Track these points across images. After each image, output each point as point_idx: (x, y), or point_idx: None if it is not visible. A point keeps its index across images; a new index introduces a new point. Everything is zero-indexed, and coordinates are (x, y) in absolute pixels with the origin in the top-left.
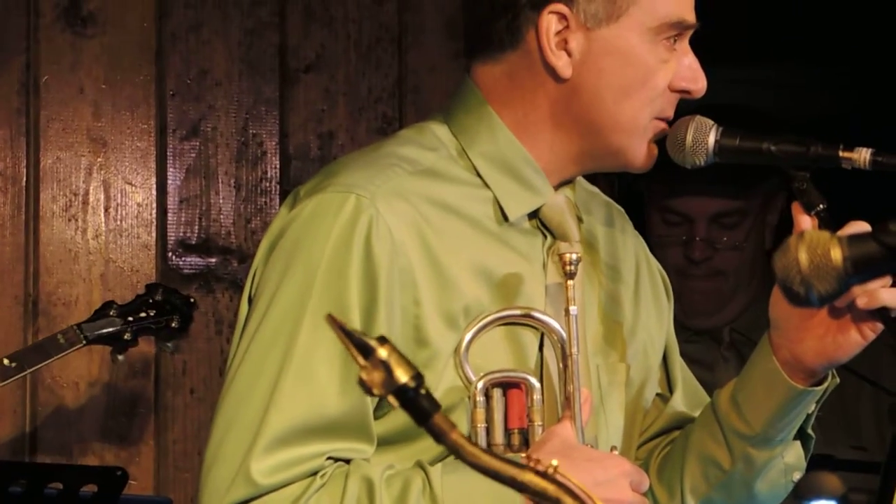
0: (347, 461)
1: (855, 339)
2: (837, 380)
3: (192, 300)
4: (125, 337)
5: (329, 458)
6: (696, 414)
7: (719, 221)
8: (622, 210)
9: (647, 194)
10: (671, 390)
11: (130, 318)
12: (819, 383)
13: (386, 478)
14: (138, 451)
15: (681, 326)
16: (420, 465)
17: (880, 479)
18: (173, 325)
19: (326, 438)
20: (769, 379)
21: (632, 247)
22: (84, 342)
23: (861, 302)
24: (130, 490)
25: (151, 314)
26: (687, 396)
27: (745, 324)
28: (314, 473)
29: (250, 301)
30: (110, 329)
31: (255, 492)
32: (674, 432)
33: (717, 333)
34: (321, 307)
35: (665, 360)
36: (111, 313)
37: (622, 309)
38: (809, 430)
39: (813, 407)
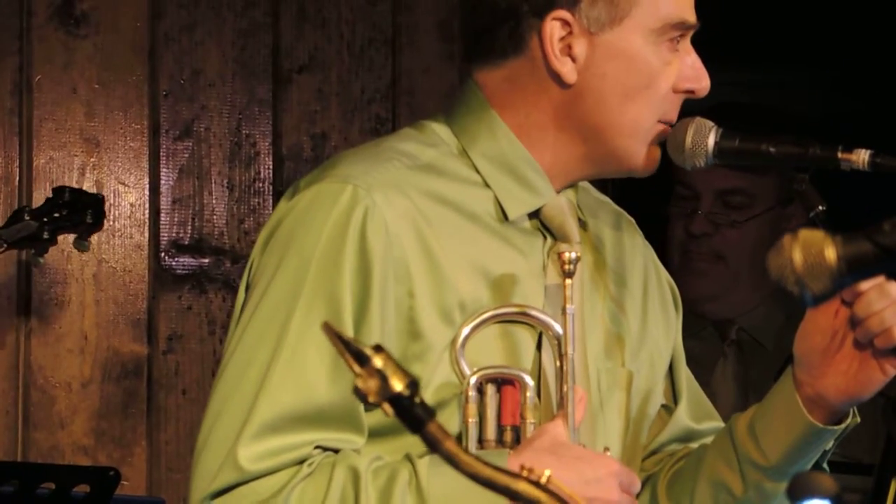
0: (336, 451)
1: (876, 376)
2: (858, 419)
3: (101, 196)
4: (44, 236)
5: (318, 447)
6: (701, 426)
7: (726, 199)
8: (632, 220)
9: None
10: (676, 401)
11: (45, 219)
12: (839, 422)
13: (373, 469)
14: (131, 451)
15: (688, 312)
16: (408, 458)
17: (874, 479)
18: (88, 220)
19: (315, 427)
20: (789, 414)
21: (640, 256)
22: (5, 246)
23: (878, 342)
24: (123, 490)
25: (64, 213)
26: (692, 408)
27: (753, 324)
28: (302, 462)
29: (247, 291)
30: (27, 231)
31: (242, 477)
32: (676, 444)
33: (724, 328)
34: (314, 297)
35: (671, 370)
36: (25, 217)
37: (627, 316)
38: (825, 466)
39: (831, 444)
